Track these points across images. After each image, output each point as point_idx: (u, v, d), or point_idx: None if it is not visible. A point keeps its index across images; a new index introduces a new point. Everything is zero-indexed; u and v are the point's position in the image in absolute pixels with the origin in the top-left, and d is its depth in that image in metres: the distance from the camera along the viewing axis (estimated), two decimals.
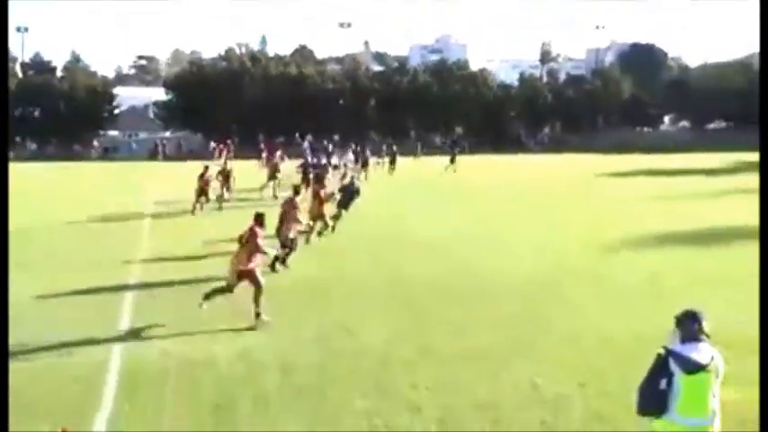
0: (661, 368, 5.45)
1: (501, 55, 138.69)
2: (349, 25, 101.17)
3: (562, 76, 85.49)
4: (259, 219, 11.60)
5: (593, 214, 24.38)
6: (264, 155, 35.79)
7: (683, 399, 5.39)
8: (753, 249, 17.84)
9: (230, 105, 65.11)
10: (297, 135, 64.58)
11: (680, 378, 5.38)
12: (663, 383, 5.41)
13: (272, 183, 28.32)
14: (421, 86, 71.62)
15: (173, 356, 9.57)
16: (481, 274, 14.65)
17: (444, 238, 18.95)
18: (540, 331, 10.99)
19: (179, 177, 34.10)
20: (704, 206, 26.32)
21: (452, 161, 40.41)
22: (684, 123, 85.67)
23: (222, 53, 77.45)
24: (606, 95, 74.68)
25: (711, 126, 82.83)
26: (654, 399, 5.46)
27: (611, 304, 12.65)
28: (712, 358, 5.44)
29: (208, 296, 11.19)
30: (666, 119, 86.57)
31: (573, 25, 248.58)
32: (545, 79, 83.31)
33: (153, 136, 70.62)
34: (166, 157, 59.03)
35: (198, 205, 24.35)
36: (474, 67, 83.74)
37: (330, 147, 44.54)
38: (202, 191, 24.45)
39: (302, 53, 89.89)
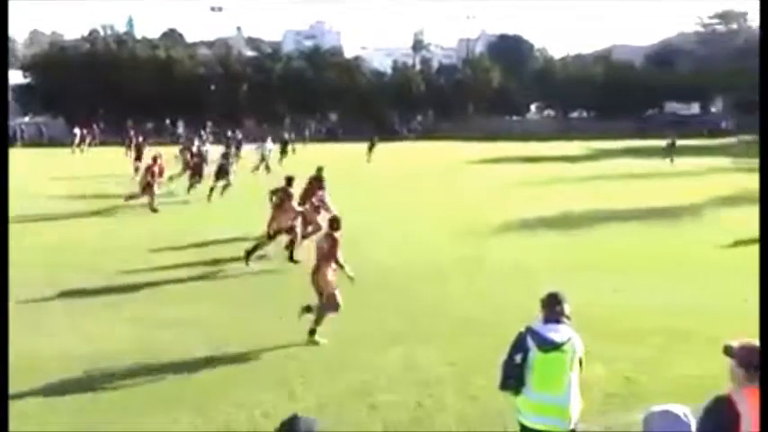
0: (518, 344, 5.73)
1: (375, 43, 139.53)
2: (220, 9, 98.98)
3: (434, 65, 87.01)
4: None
5: (463, 200, 25.06)
6: (133, 141, 34.43)
7: (537, 375, 5.64)
8: (613, 231, 18.94)
9: (95, 89, 62.27)
10: (167, 121, 62.64)
11: (534, 355, 5.62)
12: (518, 358, 5.65)
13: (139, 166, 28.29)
14: (295, 73, 71.15)
15: None
16: (352, 261, 14.79)
17: None
18: (412, 316, 11.25)
19: (40, 167, 32.44)
20: (568, 191, 27.63)
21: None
22: (549, 112, 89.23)
23: (85, 35, 74.03)
24: (476, 84, 76.67)
25: (574, 115, 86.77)
26: (510, 373, 5.73)
27: (481, 287, 13.11)
28: (569, 339, 5.67)
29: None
30: (533, 108, 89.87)
31: (444, 14, 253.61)
32: (418, 67, 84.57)
33: (10, 122, 66.55)
34: (25, 144, 55.86)
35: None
36: (348, 54, 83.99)
37: (240, 135, 42.77)
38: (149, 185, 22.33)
39: (171, 36, 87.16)
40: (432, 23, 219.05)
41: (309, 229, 15.43)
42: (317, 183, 16.29)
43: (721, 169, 37.67)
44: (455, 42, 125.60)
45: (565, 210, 22.39)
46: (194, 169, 25.64)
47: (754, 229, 19.65)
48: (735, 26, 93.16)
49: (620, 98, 75.95)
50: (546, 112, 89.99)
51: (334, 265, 10.12)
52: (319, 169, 16.91)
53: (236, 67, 70.79)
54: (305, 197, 15.93)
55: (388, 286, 12.97)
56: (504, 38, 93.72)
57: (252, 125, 61.31)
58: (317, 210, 15.47)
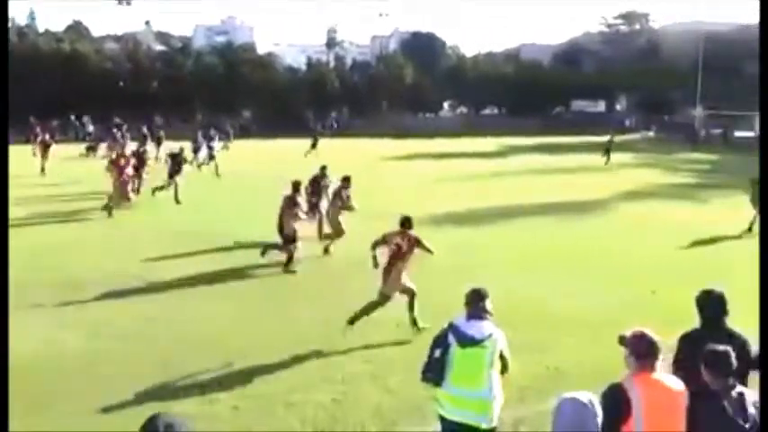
0: (440, 339, 5.87)
1: (288, 39, 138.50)
2: (128, 2, 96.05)
3: (348, 62, 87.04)
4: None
5: (376, 197, 25.16)
6: (39, 139, 33.12)
7: (457, 370, 5.78)
8: (522, 226, 19.39)
9: None
10: (73, 117, 60.36)
11: (454, 350, 5.77)
12: (437, 353, 5.81)
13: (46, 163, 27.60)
14: (206, 68, 69.84)
15: None
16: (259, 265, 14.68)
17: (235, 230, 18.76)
18: (325, 312, 11.26)
19: None
20: (479, 187, 28.14)
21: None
22: (462, 110, 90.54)
23: None
24: (390, 82, 77.06)
25: (486, 112, 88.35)
26: (428, 367, 5.87)
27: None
28: (490, 335, 5.81)
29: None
30: (446, 105, 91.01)
31: (358, 12, 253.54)
32: (332, 64, 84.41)
33: None
34: None
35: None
36: (261, 50, 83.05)
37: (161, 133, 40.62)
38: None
39: (77, 29, 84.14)
40: (345, 21, 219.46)
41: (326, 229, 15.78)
42: (343, 183, 16.11)
43: (627, 165, 39.10)
44: (369, 40, 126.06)
45: (475, 205, 22.80)
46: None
47: (658, 223, 20.55)
48: (637, 26, 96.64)
49: (529, 96, 77.77)
50: (459, 110, 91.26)
51: (407, 264, 10.26)
52: (344, 178, 16.51)
53: (146, 63, 69.00)
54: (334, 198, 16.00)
55: (314, 283, 12.94)
56: (417, 35, 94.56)
57: (163, 122, 59.82)
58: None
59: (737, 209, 20.62)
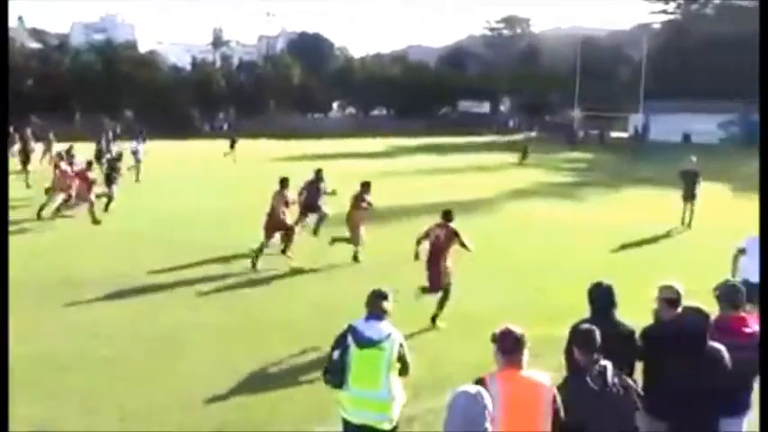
0: (339, 341, 5.83)
1: (172, 38, 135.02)
2: None
3: (235, 62, 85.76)
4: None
5: (261, 198, 24.83)
6: None
7: (355, 371, 5.76)
8: (416, 225, 19.47)
9: None
10: None
11: (353, 351, 5.75)
12: (336, 354, 5.79)
13: None
14: (84, 66, 67.13)
15: None
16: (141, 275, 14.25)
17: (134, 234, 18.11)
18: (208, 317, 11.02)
19: None
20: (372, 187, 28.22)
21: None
22: (351, 110, 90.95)
23: None
24: (277, 82, 76.42)
25: (374, 113, 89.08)
26: (330, 369, 5.83)
27: (297, 285, 13.09)
28: (389, 335, 5.79)
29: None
30: (335, 106, 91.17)
31: (244, 12, 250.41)
32: (218, 64, 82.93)
33: None
34: None
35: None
36: (143, 48, 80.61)
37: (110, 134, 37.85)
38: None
39: None
40: (231, 20, 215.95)
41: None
42: (364, 188, 16.01)
43: (511, 165, 40.29)
44: (256, 39, 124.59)
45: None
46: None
47: (540, 221, 21.24)
48: (519, 31, 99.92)
49: (416, 97, 79.01)
50: (348, 110, 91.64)
51: (449, 254, 10.89)
52: (364, 183, 16.26)
53: (19, 60, 65.59)
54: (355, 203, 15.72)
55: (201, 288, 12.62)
56: (304, 36, 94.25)
57: (40, 123, 57.01)
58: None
59: (613, 205, 21.64)
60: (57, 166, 21.08)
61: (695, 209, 20.22)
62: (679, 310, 5.85)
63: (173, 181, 29.18)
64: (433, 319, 10.73)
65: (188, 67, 78.28)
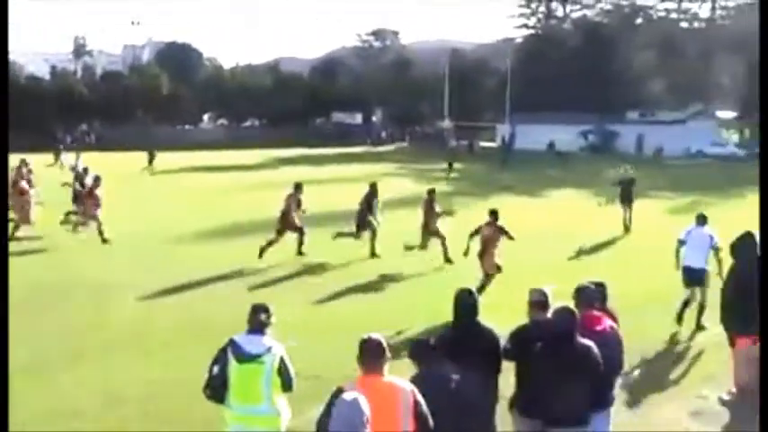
0: (219, 356, 5.75)
1: (29, 47, 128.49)
2: None
3: (99, 72, 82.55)
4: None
5: (146, 213, 24.15)
6: None
7: (235, 386, 5.69)
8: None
9: None
10: None
11: (232, 366, 5.68)
12: (216, 369, 5.72)
13: None
14: None
15: None
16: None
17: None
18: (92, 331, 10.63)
19: None
20: (241, 200, 27.92)
21: None
22: (223, 121, 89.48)
23: None
24: (145, 92, 74.18)
25: (247, 124, 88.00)
26: (210, 384, 5.73)
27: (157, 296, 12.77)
28: (269, 349, 5.74)
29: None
30: (206, 117, 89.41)
31: (108, 19, 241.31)
32: (80, 74, 79.55)
33: None
34: None
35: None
36: None
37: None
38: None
39: None
40: (94, 28, 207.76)
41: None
42: (430, 195, 17.29)
43: (385, 174, 40.79)
44: (120, 49, 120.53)
45: (235, 219, 22.63)
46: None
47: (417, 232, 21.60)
48: (388, 43, 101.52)
49: (290, 108, 78.69)
50: (219, 122, 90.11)
51: (497, 249, 12.88)
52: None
53: None
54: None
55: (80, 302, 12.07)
56: (171, 46, 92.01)
57: None
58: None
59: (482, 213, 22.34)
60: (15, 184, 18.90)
61: (632, 214, 21.98)
62: (549, 311, 6.16)
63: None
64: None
65: (47, 77, 74.70)
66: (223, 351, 5.76)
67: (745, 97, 75.81)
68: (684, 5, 74.56)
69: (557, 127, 67.19)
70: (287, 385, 5.83)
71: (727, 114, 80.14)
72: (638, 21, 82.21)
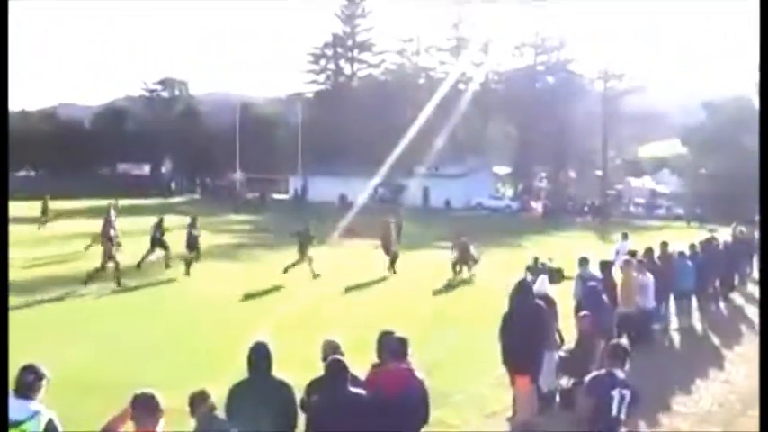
0: None
1: None
2: None
3: None
4: None
5: None
6: None
7: None
8: (76, 294, 18.54)
9: None
10: None
11: None
12: None
13: None
14: None
15: None
16: None
17: None
18: None
19: None
20: (29, 256, 26.09)
21: None
22: None
23: None
24: None
25: (21, 174, 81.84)
26: None
27: None
28: (34, 415, 5.28)
29: None
30: None
31: None
32: None
33: None
34: None
35: None
36: None
37: None
38: None
39: None
40: None
41: None
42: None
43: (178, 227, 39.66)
44: None
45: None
46: None
47: (210, 283, 21.34)
48: (177, 93, 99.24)
49: (71, 157, 74.64)
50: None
51: None
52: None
53: None
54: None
55: None
56: None
57: None
58: None
59: (276, 263, 22.61)
60: None
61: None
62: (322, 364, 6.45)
63: None
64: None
65: None
66: None
67: (516, 155, 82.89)
68: (460, 69, 79.90)
69: (348, 180, 69.04)
70: None
71: (503, 170, 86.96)
72: (421, 81, 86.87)
